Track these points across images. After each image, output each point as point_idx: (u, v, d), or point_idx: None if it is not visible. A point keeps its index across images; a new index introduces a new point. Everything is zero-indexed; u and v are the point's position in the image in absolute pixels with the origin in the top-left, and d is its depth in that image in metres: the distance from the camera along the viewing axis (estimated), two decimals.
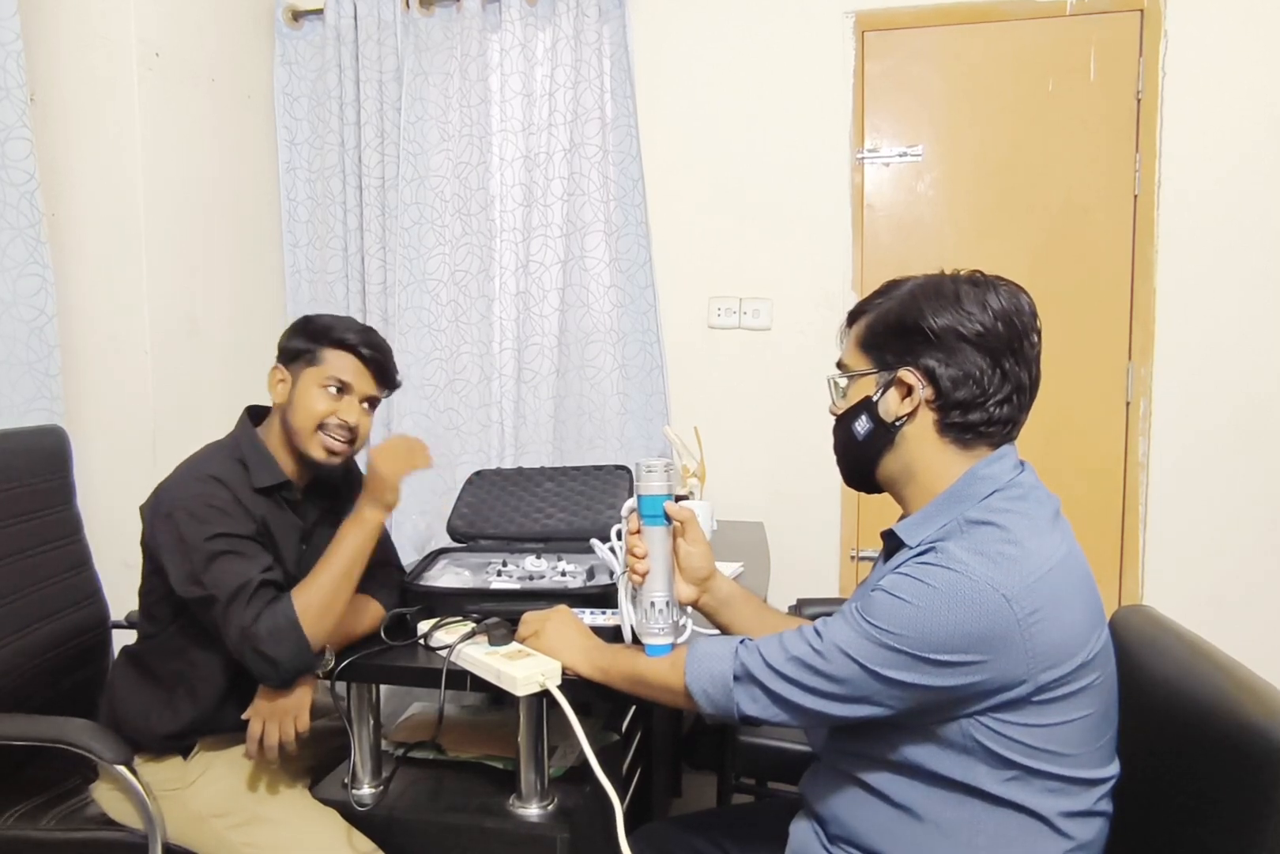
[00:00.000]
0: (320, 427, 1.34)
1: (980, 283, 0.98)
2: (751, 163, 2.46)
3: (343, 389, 1.36)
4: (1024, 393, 0.97)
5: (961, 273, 1.00)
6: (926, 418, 0.98)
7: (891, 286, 1.04)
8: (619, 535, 1.21)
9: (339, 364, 1.36)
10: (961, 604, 0.85)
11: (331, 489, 1.48)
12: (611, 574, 1.45)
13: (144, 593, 1.36)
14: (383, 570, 1.42)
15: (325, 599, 1.21)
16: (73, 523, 1.62)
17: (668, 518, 1.13)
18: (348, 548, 1.25)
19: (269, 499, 1.35)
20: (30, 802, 1.39)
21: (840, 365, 1.07)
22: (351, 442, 1.37)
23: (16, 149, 1.82)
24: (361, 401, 1.39)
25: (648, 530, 1.13)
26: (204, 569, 1.21)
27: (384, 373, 1.41)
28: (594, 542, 1.31)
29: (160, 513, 1.26)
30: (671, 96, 2.48)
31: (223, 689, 1.31)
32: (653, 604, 1.12)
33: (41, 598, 1.51)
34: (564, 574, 1.47)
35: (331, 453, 1.35)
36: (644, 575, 1.12)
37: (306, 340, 1.37)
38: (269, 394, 1.40)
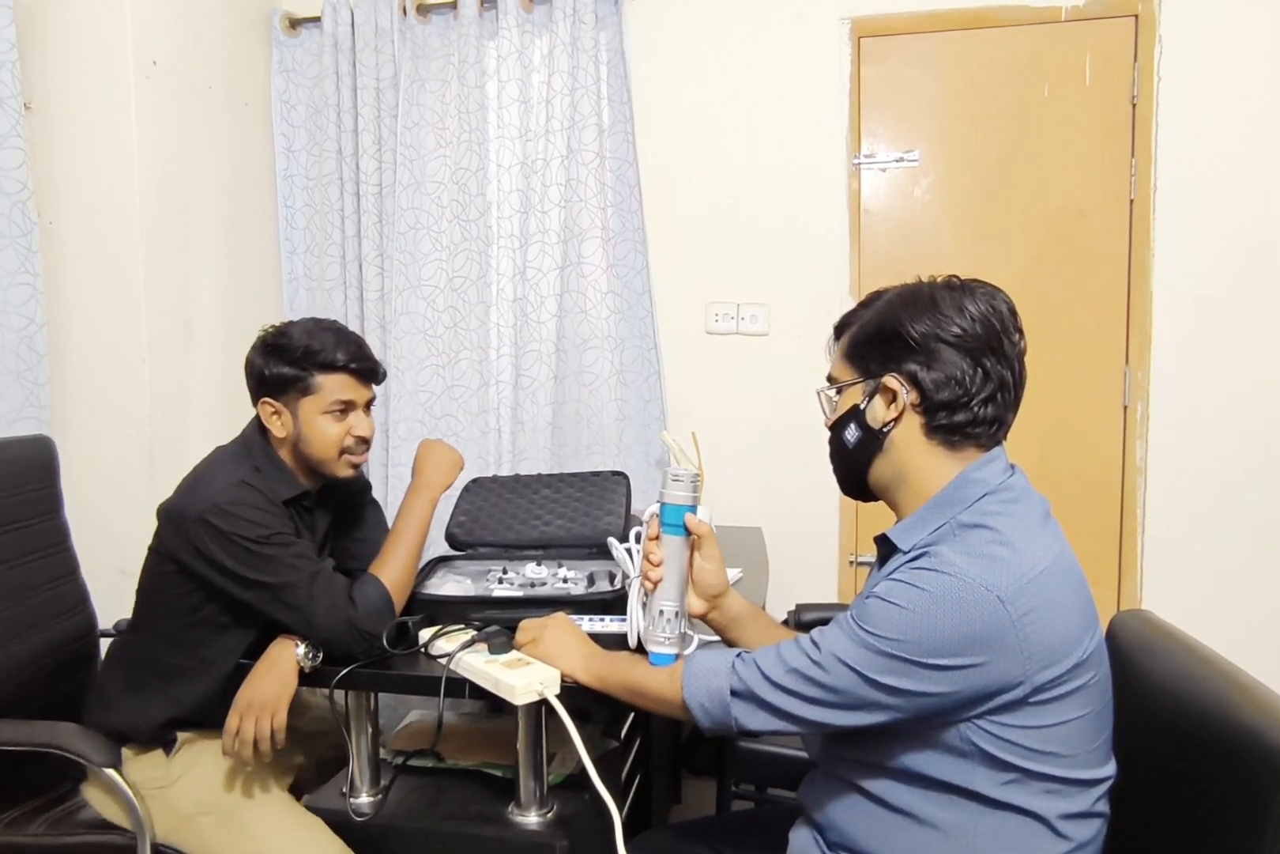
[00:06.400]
0: (341, 450, 1.37)
1: (956, 287, 0.99)
2: (748, 168, 2.47)
3: (347, 408, 1.37)
4: (1008, 391, 0.98)
5: (938, 279, 1.01)
6: (913, 421, 0.99)
7: (873, 298, 1.06)
8: (638, 538, 1.21)
9: (335, 387, 1.35)
10: (956, 607, 0.86)
11: (337, 496, 1.49)
12: (613, 579, 1.45)
13: (149, 592, 1.36)
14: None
15: (406, 573, 1.30)
16: (60, 532, 1.62)
17: (688, 529, 1.13)
18: (414, 520, 1.32)
19: (288, 510, 1.35)
20: (20, 808, 1.39)
21: (829, 379, 1.09)
22: (368, 447, 1.41)
23: (10, 158, 1.83)
24: (364, 407, 1.41)
25: (666, 539, 1.13)
26: (272, 565, 1.24)
27: (374, 375, 1.42)
28: (610, 540, 1.31)
29: (192, 517, 1.25)
30: (668, 102, 2.49)
31: (211, 687, 1.31)
32: (661, 612, 1.12)
33: (29, 607, 1.50)
34: (565, 581, 1.46)
35: (355, 466, 1.40)
36: (656, 583, 1.12)
37: (291, 367, 1.33)
38: (267, 426, 1.38)
